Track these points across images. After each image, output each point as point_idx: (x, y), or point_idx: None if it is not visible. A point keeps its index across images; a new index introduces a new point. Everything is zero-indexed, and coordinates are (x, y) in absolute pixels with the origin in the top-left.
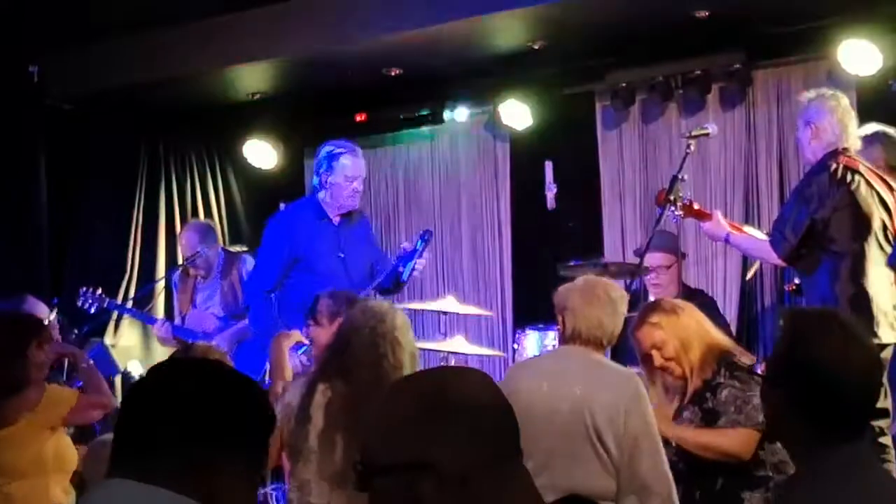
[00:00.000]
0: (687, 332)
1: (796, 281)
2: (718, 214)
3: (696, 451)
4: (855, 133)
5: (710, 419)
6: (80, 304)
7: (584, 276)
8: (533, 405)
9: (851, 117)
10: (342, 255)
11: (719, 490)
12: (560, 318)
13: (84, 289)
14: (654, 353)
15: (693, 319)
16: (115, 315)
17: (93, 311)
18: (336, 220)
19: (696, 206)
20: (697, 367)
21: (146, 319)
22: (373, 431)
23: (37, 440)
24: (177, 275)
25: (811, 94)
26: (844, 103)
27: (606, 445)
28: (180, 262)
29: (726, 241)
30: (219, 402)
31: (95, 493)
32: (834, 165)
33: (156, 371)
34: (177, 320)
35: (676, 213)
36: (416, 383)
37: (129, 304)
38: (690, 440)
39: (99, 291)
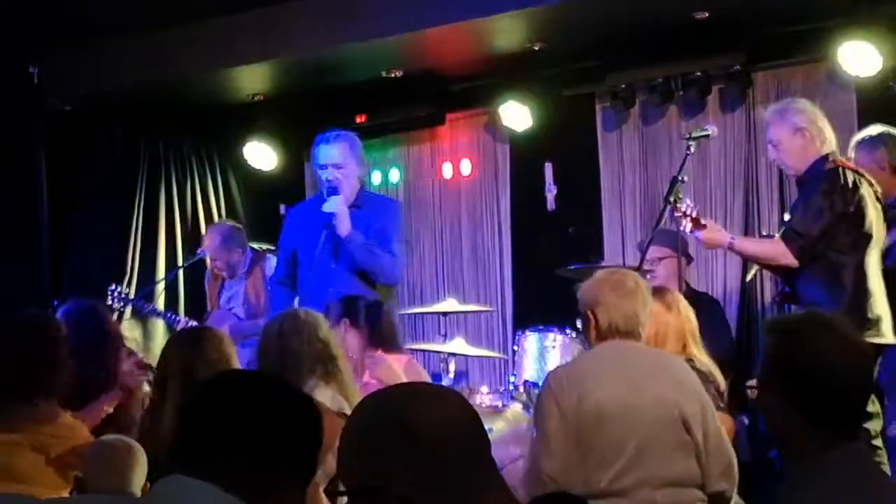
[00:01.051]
0: (667, 328)
1: (786, 290)
2: (711, 222)
3: None
4: (833, 137)
5: None
6: (109, 302)
7: (605, 269)
8: (604, 408)
9: (826, 121)
10: (330, 246)
11: None
12: (589, 314)
13: (112, 287)
14: None
15: (679, 320)
16: (115, 314)
17: (123, 310)
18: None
19: (702, 221)
20: None
21: (170, 319)
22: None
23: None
24: (207, 274)
25: (778, 105)
26: (817, 108)
27: (693, 433)
28: (180, 263)
29: (730, 247)
30: (282, 417)
31: (161, 486)
32: (840, 168)
33: (227, 378)
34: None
35: (686, 228)
36: (374, 406)
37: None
38: None
39: (126, 290)
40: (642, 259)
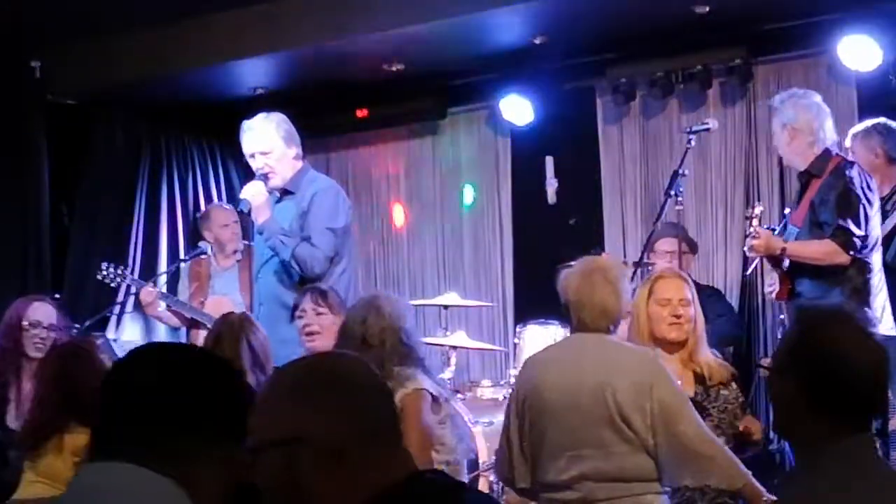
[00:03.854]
0: None
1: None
2: (763, 229)
3: None
4: (830, 127)
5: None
6: (101, 276)
7: (581, 260)
8: (557, 398)
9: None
10: (260, 234)
11: None
12: (565, 308)
13: (105, 264)
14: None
15: None
16: (116, 310)
17: (121, 285)
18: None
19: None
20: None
21: (170, 299)
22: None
23: None
24: (185, 266)
25: (786, 95)
26: (819, 102)
27: (633, 426)
28: (182, 256)
29: (782, 252)
30: (193, 388)
31: (86, 476)
32: (856, 165)
33: (135, 357)
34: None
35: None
36: (297, 363)
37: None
38: None
39: (121, 268)
40: (643, 253)
